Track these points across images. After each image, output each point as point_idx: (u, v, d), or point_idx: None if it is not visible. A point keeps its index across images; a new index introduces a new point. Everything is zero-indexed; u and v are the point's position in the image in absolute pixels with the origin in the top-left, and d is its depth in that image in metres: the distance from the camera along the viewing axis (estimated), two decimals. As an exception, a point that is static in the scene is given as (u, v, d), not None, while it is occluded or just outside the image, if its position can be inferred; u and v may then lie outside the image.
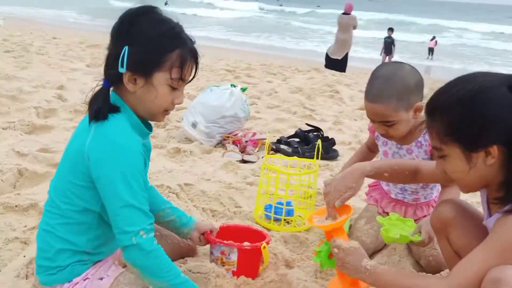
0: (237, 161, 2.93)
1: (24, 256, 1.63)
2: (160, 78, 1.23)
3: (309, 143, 3.29)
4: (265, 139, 3.26)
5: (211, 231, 1.63)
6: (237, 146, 3.17)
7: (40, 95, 4.05)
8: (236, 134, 3.31)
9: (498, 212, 1.14)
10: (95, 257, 1.31)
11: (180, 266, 1.54)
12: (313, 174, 2.19)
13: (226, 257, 1.58)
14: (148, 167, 1.36)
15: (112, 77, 1.23)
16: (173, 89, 1.26)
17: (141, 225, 1.20)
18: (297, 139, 3.41)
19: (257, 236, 1.70)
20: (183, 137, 3.36)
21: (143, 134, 1.30)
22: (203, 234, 1.62)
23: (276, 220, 2.06)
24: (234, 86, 3.35)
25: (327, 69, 8.25)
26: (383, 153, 1.95)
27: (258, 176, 2.68)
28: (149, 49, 1.21)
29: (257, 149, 3.19)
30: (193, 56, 1.27)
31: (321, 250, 1.33)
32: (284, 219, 2.07)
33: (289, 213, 2.07)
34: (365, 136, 3.53)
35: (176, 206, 1.65)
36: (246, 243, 1.61)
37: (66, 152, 1.30)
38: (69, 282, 1.26)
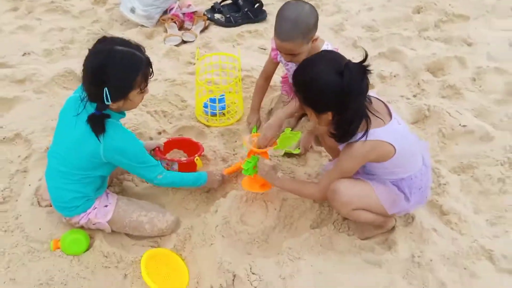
0: (177, 45, 3.29)
1: (30, 185, 2.19)
2: (134, 93, 1.76)
3: (239, 9, 3.57)
4: (201, 11, 3.55)
5: (158, 147, 2.23)
6: (175, 23, 3.45)
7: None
8: (172, 8, 3.56)
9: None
10: (96, 195, 1.95)
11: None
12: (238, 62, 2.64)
13: (170, 168, 2.21)
14: None
15: (101, 107, 1.73)
16: (142, 92, 1.78)
17: (156, 172, 1.93)
18: (229, 2, 3.66)
19: (194, 147, 2.32)
20: (123, 16, 3.58)
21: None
22: (153, 150, 2.22)
23: (213, 114, 2.61)
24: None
25: None
26: (286, 70, 2.43)
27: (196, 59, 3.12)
28: (121, 84, 1.71)
29: (194, 25, 3.49)
30: (149, 65, 1.77)
31: (249, 163, 1.98)
32: (220, 113, 2.62)
33: (223, 107, 2.61)
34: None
35: None
36: (183, 158, 2.26)
37: (73, 149, 1.81)
38: (84, 212, 1.92)
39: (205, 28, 3.50)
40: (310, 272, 1.82)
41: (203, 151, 2.31)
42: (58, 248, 1.91)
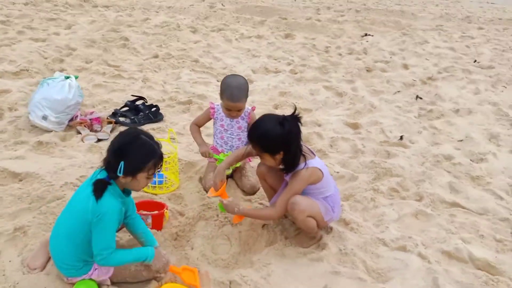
0: (95, 142, 3.73)
1: (10, 261, 2.31)
2: (142, 176, 2.11)
3: (139, 111, 4.24)
4: (104, 116, 4.09)
5: None
6: (85, 127, 3.90)
7: None
8: (77, 117, 4.01)
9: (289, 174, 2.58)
10: (94, 259, 2.18)
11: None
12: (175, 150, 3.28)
13: (145, 221, 2.64)
14: (130, 211, 2.30)
15: (113, 176, 2.08)
16: (148, 178, 2.17)
17: (109, 250, 2.08)
18: (126, 108, 4.30)
19: (158, 205, 2.81)
20: (28, 126, 3.86)
21: (123, 197, 2.18)
22: None
23: (153, 185, 3.13)
24: (68, 78, 3.94)
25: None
26: (220, 125, 3.27)
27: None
28: (136, 164, 2.07)
29: (102, 127, 3.99)
30: (161, 158, 2.15)
31: (219, 204, 2.58)
32: (159, 185, 3.15)
33: (160, 182, 3.16)
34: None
35: (146, 230, 2.40)
36: (155, 212, 2.72)
37: (72, 211, 2.13)
38: (86, 274, 2.18)
39: (113, 129, 4.03)
40: (280, 271, 2.46)
41: (167, 206, 2.80)
42: (72, 299, 2.12)
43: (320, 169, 2.57)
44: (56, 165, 3.26)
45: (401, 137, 4.24)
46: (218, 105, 3.29)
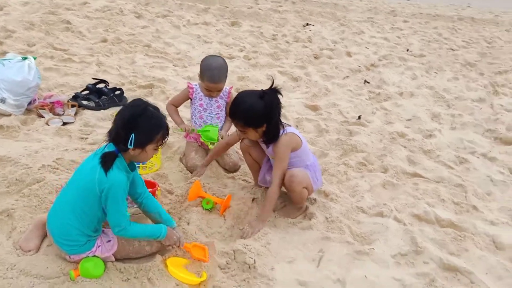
0: (61, 125, 3.57)
1: None
2: (150, 147, 2.11)
3: (102, 94, 4.11)
4: (65, 99, 3.92)
5: None
6: (46, 110, 3.71)
7: None
8: (35, 100, 3.80)
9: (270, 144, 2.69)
10: (95, 235, 2.18)
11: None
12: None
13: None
14: (136, 181, 2.27)
15: (122, 148, 2.06)
16: (155, 149, 2.16)
17: (124, 223, 2.09)
18: (87, 92, 4.15)
19: (149, 184, 2.78)
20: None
21: (128, 172, 2.15)
22: None
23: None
24: (25, 58, 3.71)
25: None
26: (199, 105, 3.29)
27: (89, 134, 3.50)
28: (146, 135, 2.06)
29: (64, 110, 3.82)
30: (168, 130, 2.15)
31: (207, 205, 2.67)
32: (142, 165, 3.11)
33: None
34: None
35: (162, 209, 2.39)
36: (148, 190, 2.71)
37: (77, 183, 2.08)
38: (89, 250, 2.13)
39: (77, 112, 3.87)
40: (276, 239, 2.59)
41: (158, 185, 2.79)
42: (78, 275, 2.07)
43: (297, 135, 2.72)
44: (27, 148, 3.10)
45: (359, 117, 4.54)
46: (196, 84, 3.31)
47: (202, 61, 3.20)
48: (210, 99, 3.29)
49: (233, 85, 4.11)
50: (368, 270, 2.45)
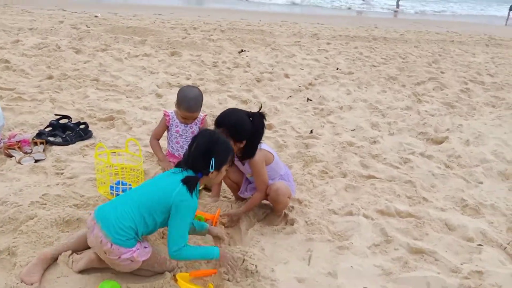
0: (34, 162, 3.58)
1: None
2: (224, 168, 2.44)
3: (67, 129, 4.14)
4: (30, 137, 3.93)
5: None
6: (15, 149, 3.69)
7: None
8: (0, 140, 3.77)
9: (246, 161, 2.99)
10: (138, 238, 2.30)
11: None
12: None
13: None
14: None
15: (203, 172, 2.35)
16: (227, 170, 2.46)
17: (182, 243, 2.27)
18: (50, 128, 4.16)
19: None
20: None
21: (197, 196, 2.38)
22: None
23: (117, 192, 3.19)
24: (-11, 99, 3.68)
25: None
26: (176, 131, 3.51)
27: (63, 169, 3.54)
28: (222, 159, 2.40)
29: (32, 148, 3.81)
30: (234, 152, 2.54)
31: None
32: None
33: (124, 187, 3.24)
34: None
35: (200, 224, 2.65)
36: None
37: (151, 189, 2.32)
38: (130, 248, 2.24)
39: (45, 149, 3.88)
40: (269, 244, 2.89)
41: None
42: (99, 302, 2.18)
43: (269, 151, 3.06)
44: (10, 188, 3.10)
45: (311, 131, 4.97)
46: (172, 112, 3.52)
47: (179, 91, 3.44)
48: (186, 125, 3.52)
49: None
50: (352, 261, 2.80)
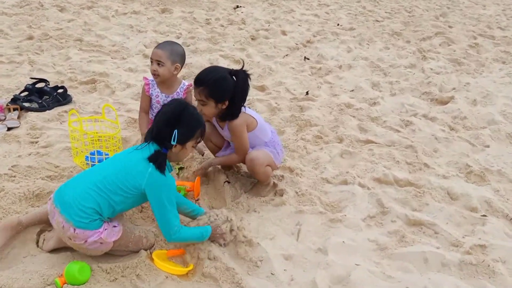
0: (6, 131, 3.34)
1: None
2: (190, 144, 2.20)
3: (44, 94, 3.87)
4: (4, 103, 3.67)
5: None
6: (-14, 118, 3.45)
7: None
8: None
9: (225, 123, 2.72)
10: (104, 219, 2.10)
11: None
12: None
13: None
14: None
15: (167, 146, 2.11)
16: (193, 147, 2.21)
17: (176, 223, 2.15)
18: (26, 93, 3.89)
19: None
20: None
21: (169, 171, 2.17)
22: None
23: (93, 162, 2.96)
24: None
25: None
26: (156, 101, 3.19)
27: (38, 137, 3.30)
28: (187, 131, 2.15)
29: (5, 115, 3.56)
30: (205, 128, 2.26)
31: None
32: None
33: (100, 157, 3.00)
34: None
35: (197, 207, 2.47)
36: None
37: (117, 168, 2.07)
38: (96, 230, 2.04)
39: (20, 116, 3.62)
40: (254, 218, 2.69)
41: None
42: (65, 283, 1.99)
43: (252, 116, 2.78)
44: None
45: (307, 93, 4.66)
46: (152, 80, 3.21)
47: None
48: (167, 96, 3.20)
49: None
50: (344, 235, 2.58)
